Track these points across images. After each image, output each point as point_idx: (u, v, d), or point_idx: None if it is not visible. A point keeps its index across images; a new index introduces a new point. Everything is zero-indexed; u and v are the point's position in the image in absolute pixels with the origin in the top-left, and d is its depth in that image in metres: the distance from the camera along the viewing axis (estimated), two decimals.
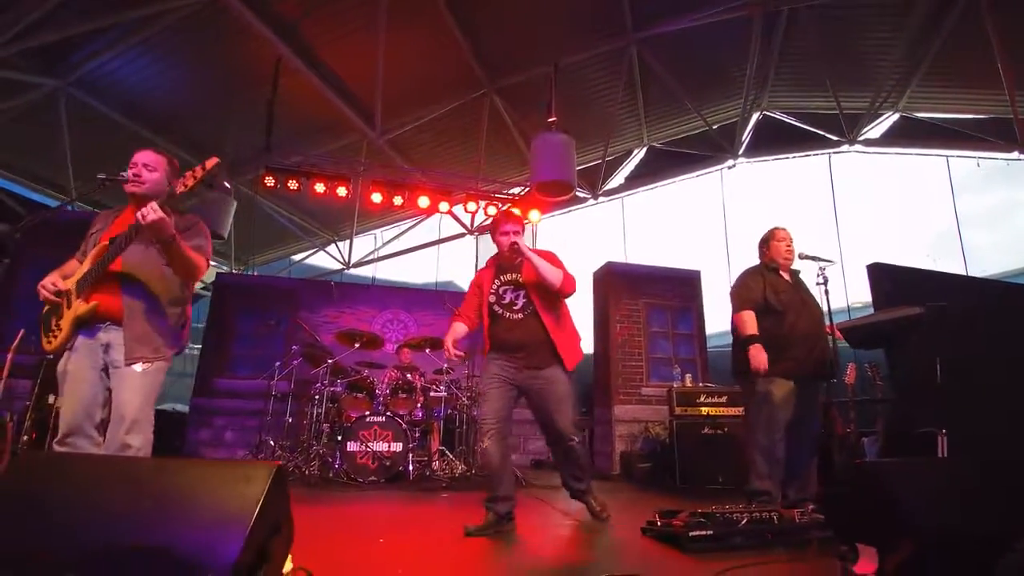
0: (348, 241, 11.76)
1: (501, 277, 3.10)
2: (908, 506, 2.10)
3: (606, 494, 4.50)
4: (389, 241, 11.94)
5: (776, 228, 3.56)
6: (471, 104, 8.35)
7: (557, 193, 6.03)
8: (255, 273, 11.78)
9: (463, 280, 11.76)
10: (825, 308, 3.28)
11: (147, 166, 2.45)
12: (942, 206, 7.74)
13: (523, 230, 3.18)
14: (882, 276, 4.43)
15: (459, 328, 3.08)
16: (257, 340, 6.82)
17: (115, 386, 2.26)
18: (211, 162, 2.20)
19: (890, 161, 8.34)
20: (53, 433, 4.11)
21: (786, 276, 3.54)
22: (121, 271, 2.28)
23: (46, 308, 2.38)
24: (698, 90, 8.40)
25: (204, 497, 1.31)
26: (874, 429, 3.86)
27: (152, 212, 2.07)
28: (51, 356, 2.36)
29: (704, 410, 4.86)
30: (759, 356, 3.18)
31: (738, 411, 4.85)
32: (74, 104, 7.49)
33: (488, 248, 11.50)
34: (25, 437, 3.80)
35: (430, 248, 11.76)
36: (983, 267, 7.60)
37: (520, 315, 3.00)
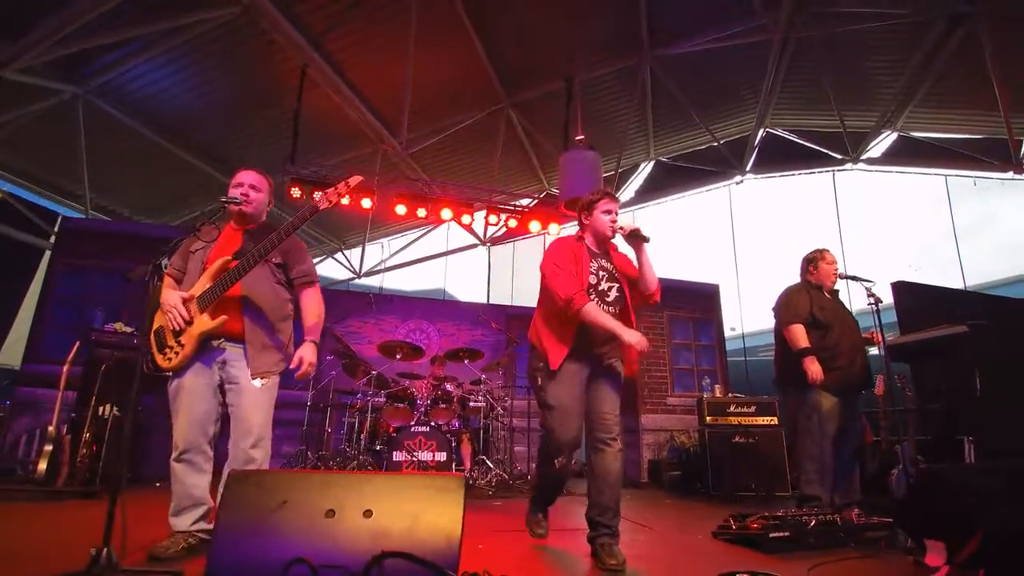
0: (356, 250, 11.84)
1: (596, 261, 2.66)
2: (976, 505, 2.35)
3: (643, 501, 4.69)
4: (399, 251, 12.03)
5: (824, 251, 3.77)
6: (487, 117, 8.52)
7: None
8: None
9: (457, 290, 11.91)
10: (867, 324, 3.52)
11: (253, 187, 2.57)
12: (935, 219, 8.16)
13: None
14: (904, 293, 4.71)
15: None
16: None
17: (236, 402, 2.34)
18: (354, 180, 2.33)
19: (886, 177, 8.74)
20: (109, 445, 4.14)
21: (827, 294, 3.77)
22: (241, 291, 2.38)
23: (157, 324, 2.46)
24: (707, 107, 8.69)
25: (420, 505, 1.45)
26: (904, 437, 4.10)
27: (309, 367, 2.39)
28: (169, 373, 2.43)
29: (734, 419, 5.07)
30: (815, 367, 3.38)
31: (767, 420, 5.07)
32: (91, 111, 7.45)
33: (498, 260, 11.55)
34: (84, 450, 3.80)
35: (436, 257, 11.93)
36: (976, 276, 7.99)
37: (612, 308, 2.60)
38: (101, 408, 4.11)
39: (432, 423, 4.81)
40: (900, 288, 4.66)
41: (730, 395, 5.22)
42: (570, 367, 2.51)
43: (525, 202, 10.03)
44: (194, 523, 2.29)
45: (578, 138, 6.47)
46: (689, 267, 8.91)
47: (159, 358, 2.41)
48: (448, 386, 5.18)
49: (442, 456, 4.75)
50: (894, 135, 8.50)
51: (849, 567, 2.33)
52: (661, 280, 2.79)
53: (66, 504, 3.48)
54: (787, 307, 3.67)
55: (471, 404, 5.22)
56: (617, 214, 2.70)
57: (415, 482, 1.54)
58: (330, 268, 12.16)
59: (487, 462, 5.08)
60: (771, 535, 2.63)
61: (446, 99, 8.14)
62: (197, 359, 2.36)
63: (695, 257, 9.70)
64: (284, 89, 7.62)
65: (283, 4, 6.06)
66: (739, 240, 9.34)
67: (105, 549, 1.69)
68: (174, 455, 2.30)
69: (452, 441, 4.89)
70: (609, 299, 2.60)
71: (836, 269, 3.78)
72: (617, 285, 2.64)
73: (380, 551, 1.23)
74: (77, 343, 4.06)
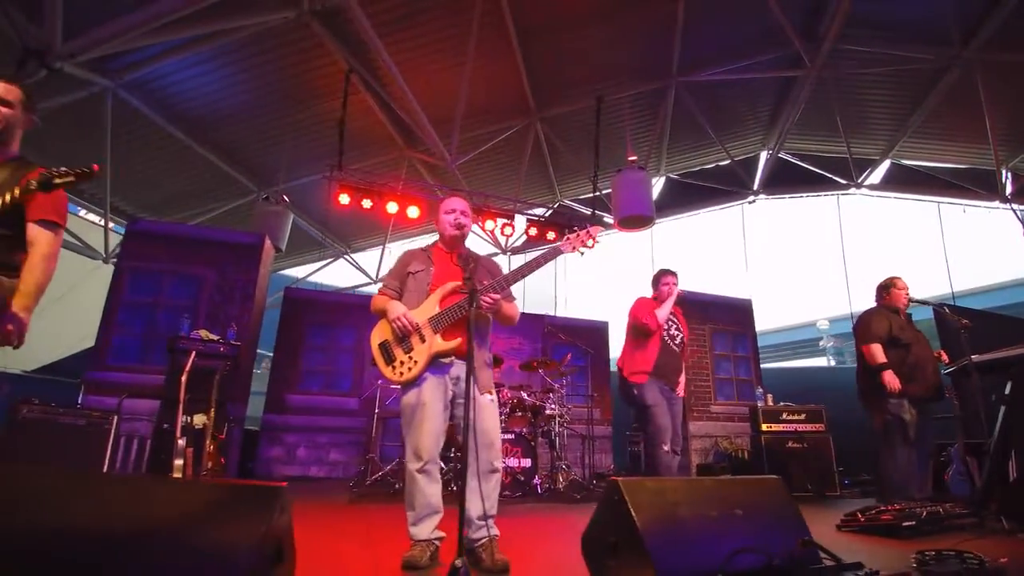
0: (361, 254, 11.79)
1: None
2: None
3: None
4: None
5: (896, 278, 4.29)
6: (518, 130, 8.74)
7: (638, 226, 6.58)
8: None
9: None
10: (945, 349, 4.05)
11: (464, 213, 2.77)
12: (927, 235, 9.10)
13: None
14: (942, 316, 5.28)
15: None
16: (327, 355, 6.88)
17: (475, 416, 2.49)
18: (596, 229, 2.61)
19: (883, 201, 9.59)
20: (217, 456, 4.12)
21: (902, 316, 4.26)
22: (469, 315, 2.56)
23: (381, 339, 2.60)
24: (724, 128, 9.24)
25: (771, 506, 1.72)
26: (953, 441, 4.65)
27: (489, 303, 2.48)
28: (398, 385, 2.57)
29: (787, 426, 5.52)
30: (892, 379, 3.92)
31: (816, 427, 5.55)
32: (119, 106, 7.20)
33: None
34: (210, 463, 3.78)
35: None
36: (960, 284, 8.95)
37: (678, 348, 4.24)
38: (206, 418, 4.09)
39: (516, 430, 5.01)
40: (940, 312, 5.21)
41: (781, 404, 5.67)
42: (658, 390, 4.04)
43: (539, 212, 10.33)
44: (432, 531, 2.44)
45: (631, 159, 6.81)
46: (705, 279, 9.47)
47: (387, 371, 2.56)
48: (523, 394, 5.38)
49: (527, 462, 4.98)
50: (887, 163, 9.33)
51: (976, 544, 2.72)
52: (703, 295, 4.51)
53: None
54: (867, 329, 4.19)
55: (546, 412, 5.43)
56: (675, 284, 4.25)
57: (753, 486, 1.81)
58: (335, 273, 12.03)
59: (562, 467, 5.32)
60: (904, 524, 3.03)
61: (483, 111, 8.31)
62: (430, 373, 2.51)
63: (711, 269, 10.29)
64: (320, 93, 7.64)
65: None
66: (752, 256, 10.02)
67: (461, 563, 1.74)
68: (417, 466, 2.44)
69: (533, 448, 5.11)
70: (676, 341, 4.27)
71: (907, 293, 4.28)
72: (680, 335, 4.33)
73: (800, 540, 1.49)
74: (193, 353, 4.01)
